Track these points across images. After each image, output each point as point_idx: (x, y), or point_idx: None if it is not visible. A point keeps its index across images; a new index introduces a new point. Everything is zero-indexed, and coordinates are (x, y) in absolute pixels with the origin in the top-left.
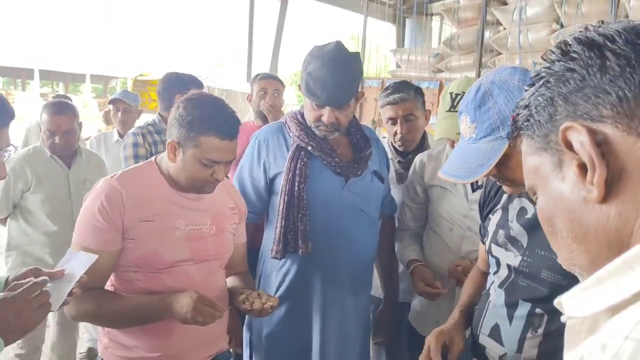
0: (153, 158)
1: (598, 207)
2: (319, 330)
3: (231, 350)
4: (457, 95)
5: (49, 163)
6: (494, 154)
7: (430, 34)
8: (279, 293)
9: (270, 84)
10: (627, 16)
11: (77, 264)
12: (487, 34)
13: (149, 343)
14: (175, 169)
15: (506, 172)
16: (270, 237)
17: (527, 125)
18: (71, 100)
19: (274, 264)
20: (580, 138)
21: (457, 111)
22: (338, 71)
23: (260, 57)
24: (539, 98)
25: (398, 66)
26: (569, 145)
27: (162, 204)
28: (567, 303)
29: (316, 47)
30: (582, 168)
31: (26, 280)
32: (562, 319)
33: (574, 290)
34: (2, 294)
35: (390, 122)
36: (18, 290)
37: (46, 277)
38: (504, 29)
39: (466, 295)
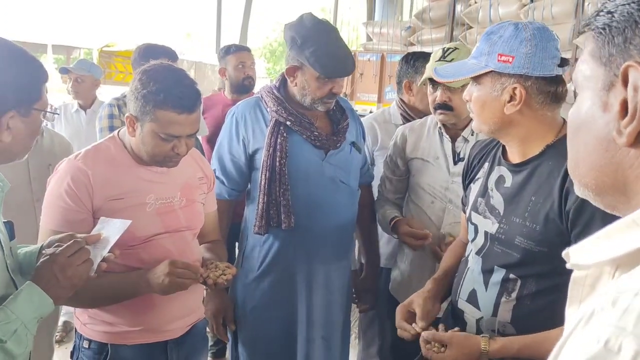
0: (115, 133)
1: (626, 149)
2: (305, 301)
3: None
4: (448, 49)
5: None
6: (465, 73)
7: (401, 7)
8: (262, 267)
9: (247, 56)
10: None
11: (111, 229)
12: (458, 7)
13: (130, 317)
14: (136, 143)
15: (455, 97)
16: (253, 213)
17: (601, 32)
18: None
19: (256, 239)
20: (636, 82)
21: (446, 60)
22: (339, 42)
23: (229, 29)
24: (626, 14)
25: (369, 39)
26: (626, 81)
27: (130, 180)
28: (574, 253)
29: (294, 25)
30: (624, 107)
31: (64, 235)
32: (567, 266)
33: (582, 243)
34: (49, 251)
35: None
36: (60, 248)
37: (84, 239)
38: (475, 2)
39: (441, 266)
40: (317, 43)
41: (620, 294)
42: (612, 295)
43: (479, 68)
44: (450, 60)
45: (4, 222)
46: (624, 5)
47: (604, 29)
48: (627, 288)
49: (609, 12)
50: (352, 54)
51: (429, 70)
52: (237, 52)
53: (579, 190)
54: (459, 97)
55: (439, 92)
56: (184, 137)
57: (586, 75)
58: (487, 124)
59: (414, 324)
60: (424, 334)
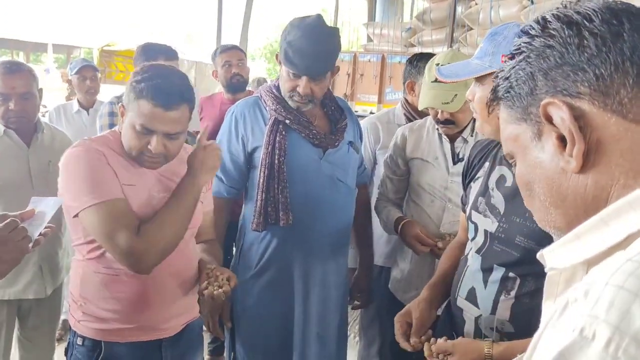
0: (116, 127)
1: (576, 176)
2: (302, 298)
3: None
4: (442, 66)
5: (3, 141)
6: (469, 74)
7: (402, 8)
8: (260, 264)
9: (233, 54)
10: None
11: (45, 206)
12: (459, 9)
13: (124, 315)
14: (122, 135)
15: (457, 113)
16: (251, 210)
17: (507, 96)
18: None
19: (254, 236)
20: (560, 114)
21: (442, 82)
22: (317, 42)
23: (230, 30)
24: (520, 72)
25: (370, 40)
26: (549, 119)
27: (136, 171)
28: (548, 256)
29: (297, 17)
30: (561, 140)
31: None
32: (545, 270)
33: (554, 245)
34: None
35: None
36: None
37: (18, 216)
38: (476, 4)
39: (439, 269)
40: (294, 36)
41: (591, 285)
42: (584, 287)
43: (483, 69)
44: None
45: None
46: (513, 67)
47: (508, 92)
48: (597, 279)
49: (505, 79)
50: (332, 57)
51: (427, 90)
52: (222, 53)
53: (558, 236)
54: (460, 112)
55: (440, 111)
56: (160, 135)
57: (513, 139)
58: (489, 123)
59: (411, 340)
60: (426, 347)
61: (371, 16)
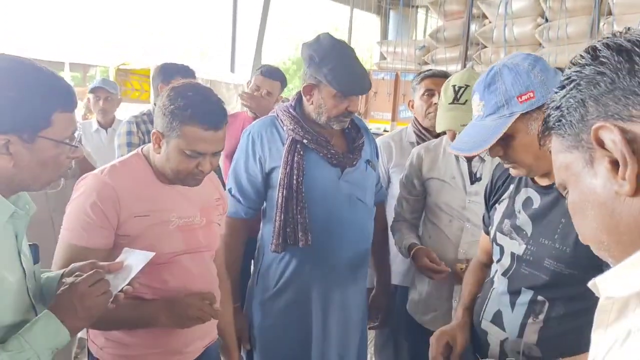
0: (140, 149)
1: (630, 200)
2: (320, 320)
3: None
4: (459, 87)
5: None
6: (497, 131)
7: (415, 26)
8: (278, 285)
9: (264, 82)
10: (610, 13)
11: (134, 261)
12: (473, 27)
13: (149, 340)
14: (160, 160)
15: (510, 153)
16: (269, 231)
17: (558, 125)
18: None
19: (272, 257)
20: (612, 137)
21: (460, 103)
22: (355, 60)
23: (244, 48)
24: (570, 100)
25: (383, 58)
26: (601, 143)
27: (155, 197)
28: (602, 285)
29: (312, 44)
30: (614, 164)
31: (86, 264)
32: (600, 300)
33: (607, 274)
34: (69, 280)
35: (427, 94)
36: (81, 277)
37: (103, 269)
38: (490, 22)
39: (467, 292)
40: (335, 61)
41: None
42: None
43: (507, 121)
44: (464, 103)
45: (29, 244)
46: (563, 96)
47: (559, 121)
48: None
49: (556, 108)
50: (368, 73)
51: (444, 112)
52: (258, 75)
53: (612, 265)
54: None
55: (458, 133)
56: (209, 155)
57: (564, 167)
58: (542, 168)
59: None
60: None
61: (384, 34)
